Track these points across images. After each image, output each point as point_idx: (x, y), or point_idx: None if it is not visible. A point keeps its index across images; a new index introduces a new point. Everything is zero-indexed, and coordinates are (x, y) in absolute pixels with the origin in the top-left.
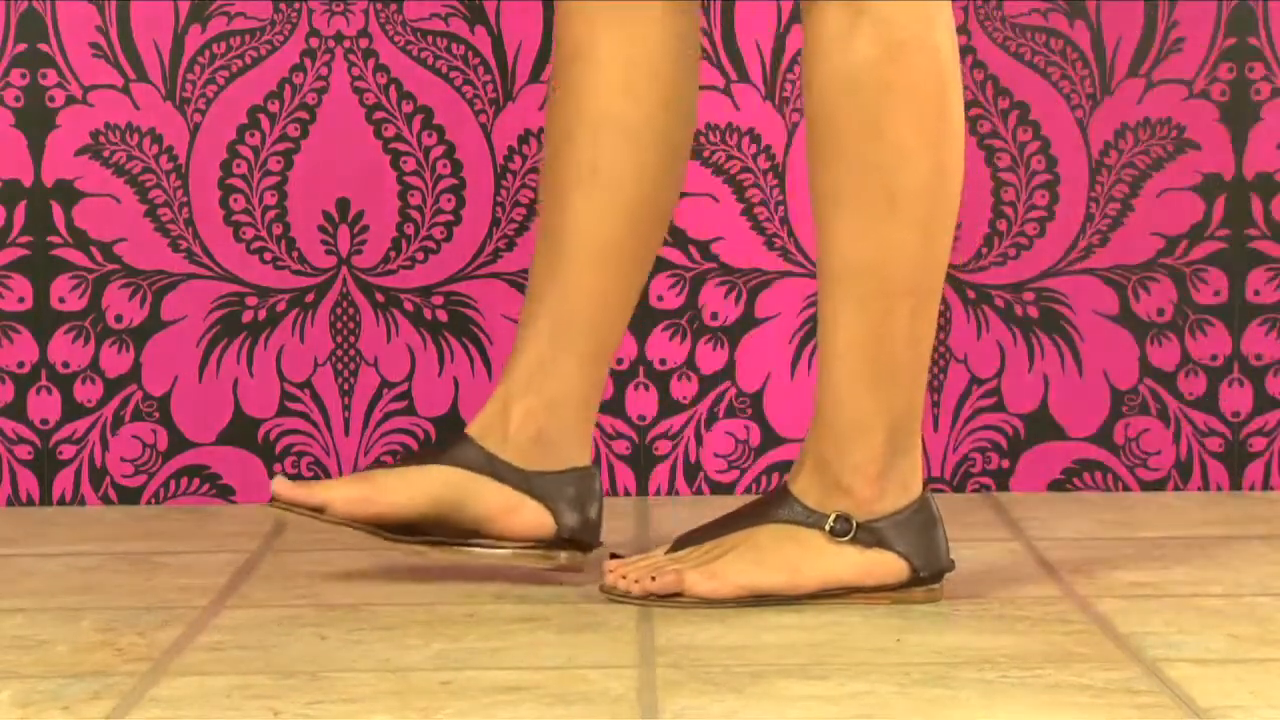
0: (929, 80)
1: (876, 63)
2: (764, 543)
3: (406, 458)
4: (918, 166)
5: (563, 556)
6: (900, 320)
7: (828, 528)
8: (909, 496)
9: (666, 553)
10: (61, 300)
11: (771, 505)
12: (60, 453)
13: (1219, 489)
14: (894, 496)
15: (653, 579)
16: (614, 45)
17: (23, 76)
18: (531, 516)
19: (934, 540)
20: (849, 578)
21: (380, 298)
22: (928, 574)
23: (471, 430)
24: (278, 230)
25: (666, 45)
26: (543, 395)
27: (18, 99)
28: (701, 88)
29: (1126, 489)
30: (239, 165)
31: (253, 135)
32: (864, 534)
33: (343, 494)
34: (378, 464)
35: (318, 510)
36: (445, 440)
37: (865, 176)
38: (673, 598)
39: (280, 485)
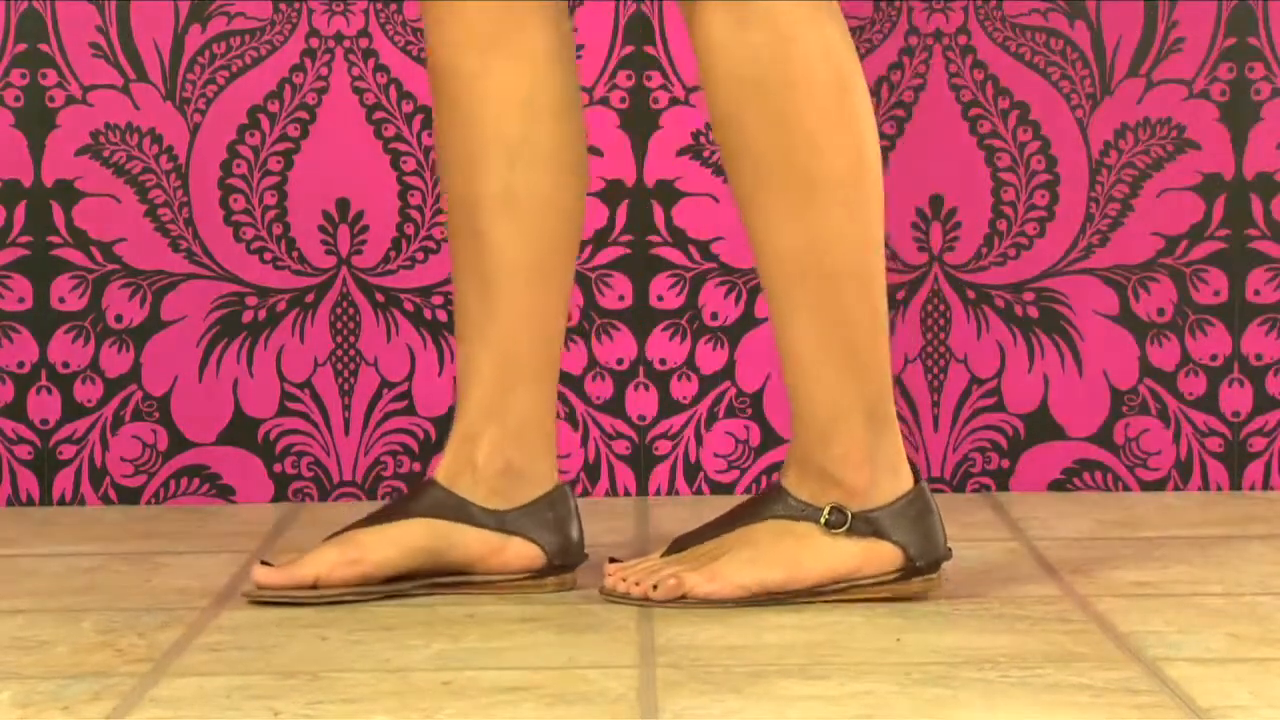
0: (824, 71)
1: (771, 61)
2: (762, 539)
3: (376, 515)
4: (831, 156)
5: (550, 583)
6: (848, 303)
7: (823, 520)
8: (901, 483)
9: (664, 555)
10: (61, 300)
11: (766, 502)
12: (60, 453)
13: (1219, 489)
14: (886, 484)
15: (654, 587)
16: (507, 67)
17: (23, 76)
18: (519, 550)
19: (930, 529)
20: (847, 569)
21: (380, 298)
22: (924, 563)
23: (439, 476)
24: (278, 230)
25: (554, 58)
26: (505, 427)
27: (18, 99)
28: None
29: (1126, 489)
30: (239, 165)
31: (253, 135)
32: (860, 524)
33: (330, 560)
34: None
35: (310, 587)
36: (413, 490)
37: (780, 170)
38: (675, 600)
39: (263, 575)
